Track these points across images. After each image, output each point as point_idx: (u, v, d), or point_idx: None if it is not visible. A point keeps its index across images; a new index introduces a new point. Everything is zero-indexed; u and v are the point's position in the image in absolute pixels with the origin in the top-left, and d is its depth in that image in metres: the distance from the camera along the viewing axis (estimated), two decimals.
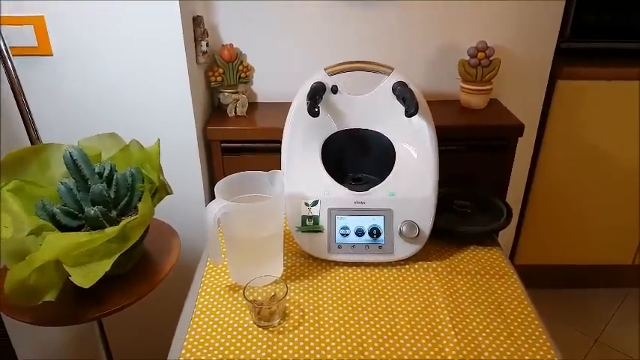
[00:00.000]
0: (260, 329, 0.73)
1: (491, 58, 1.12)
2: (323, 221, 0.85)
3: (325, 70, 0.88)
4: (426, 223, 0.85)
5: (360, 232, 0.85)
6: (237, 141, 1.09)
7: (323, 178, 0.86)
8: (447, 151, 0.96)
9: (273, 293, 0.77)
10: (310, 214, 0.85)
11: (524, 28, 1.19)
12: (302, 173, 0.86)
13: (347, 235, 0.85)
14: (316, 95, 0.84)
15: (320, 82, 0.87)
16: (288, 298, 0.78)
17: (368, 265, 0.87)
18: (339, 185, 0.86)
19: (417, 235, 0.84)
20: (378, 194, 0.85)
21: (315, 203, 0.85)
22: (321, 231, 0.85)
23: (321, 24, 1.16)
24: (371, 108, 0.90)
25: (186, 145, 1.05)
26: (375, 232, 0.85)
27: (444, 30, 1.16)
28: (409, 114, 0.80)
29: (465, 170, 1.06)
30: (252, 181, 0.80)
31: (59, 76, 0.98)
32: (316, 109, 0.81)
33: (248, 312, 0.76)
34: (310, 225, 0.85)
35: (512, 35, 1.19)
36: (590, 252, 1.59)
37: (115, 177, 0.77)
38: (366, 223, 0.85)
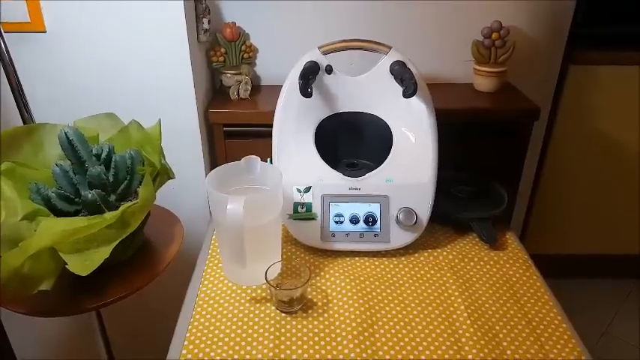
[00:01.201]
0: (265, 320, 0.70)
1: (505, 39, 1.08)
2: (316, 208, 0.82)
3: (319, 48, 0.84)
4: (424, 210, 0.82)
5: (354, 220, 0.81)
6: (241, 125, 1.05)
7: (316, 163, 0.82)
8: (458, 135, 0.93)
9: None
10: (303, 201, 0.82)
11: (538, 11, 1.15)
12: (294, 158, 0.83)
13: (341, 222, 0.82)
14: (309, 75, 0.79)
15: (313, 61, 0.83)
16: (309, 283, 0.75)
17: (364, 254, 0.83)
18: (333, 171, 0.82)
19: (415, 223, 0.80)
20: (374, 180, 0.82)
21: (307, 189, 0.82)
22: (314, 218, 0.82)
23: (332, 2, 1.11)
24: (367, 89, 0.85)
25: (187, 128, 1.01)
26: (370, 220, 0.81)
27: (457, 13, 1.13)
28: (407, 95, 0.76)
29: (476, 155, 1.03)
30: (236, 173, 0.76)
31: (53, 53, 0.94)
32: (309, 90, 0.77)
33: (253, 299, 0.73)
34: (302, 212, 0.82)
35: (525, 18, 1.16)
36: (600, 241, 1.57)
37: (113, 159, 0.74)
38: (362, 210, 0.82)
